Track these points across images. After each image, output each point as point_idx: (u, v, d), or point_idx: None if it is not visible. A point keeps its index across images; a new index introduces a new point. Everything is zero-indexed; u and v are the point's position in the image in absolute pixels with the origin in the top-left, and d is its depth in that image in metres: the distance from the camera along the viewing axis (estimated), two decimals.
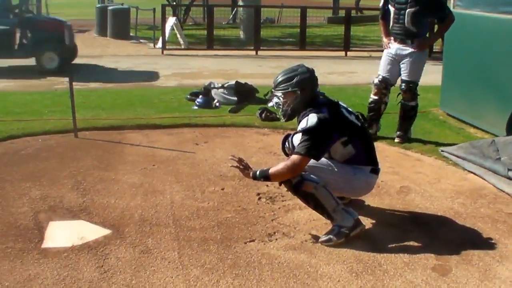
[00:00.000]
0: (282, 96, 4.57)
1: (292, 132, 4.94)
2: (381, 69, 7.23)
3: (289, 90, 4.51)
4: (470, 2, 8.12)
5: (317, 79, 4.63)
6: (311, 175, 4.42)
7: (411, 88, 6.98)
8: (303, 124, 4.38)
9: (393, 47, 7.05)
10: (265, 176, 4.47)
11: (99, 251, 4.31)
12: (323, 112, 4.38)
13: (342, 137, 4.48)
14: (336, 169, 4.53)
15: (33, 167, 6.11)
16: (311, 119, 4.33)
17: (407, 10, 6.78)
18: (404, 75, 7.00)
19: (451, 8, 8.54)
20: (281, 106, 4.62)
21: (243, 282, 3.91)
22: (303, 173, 4.41)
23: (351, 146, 4.52)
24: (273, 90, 4.64)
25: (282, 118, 4.72)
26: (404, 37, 6.94)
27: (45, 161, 6.32)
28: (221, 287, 3.86)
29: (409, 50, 6.92)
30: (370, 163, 4.68)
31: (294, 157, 4.35)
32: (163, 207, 5.14)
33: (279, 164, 4.46)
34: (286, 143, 4.93)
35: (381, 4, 7.28)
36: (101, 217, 4.92)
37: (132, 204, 5.20)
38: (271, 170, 4.42)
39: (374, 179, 4.76)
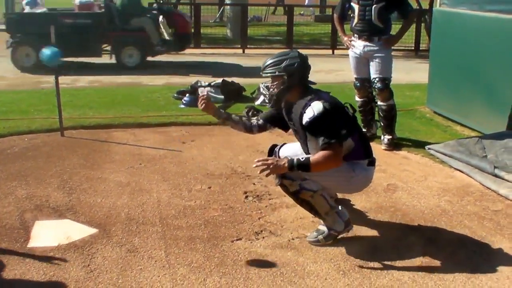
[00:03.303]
0: (270, 79, 4.43)
1: (279, 143, 4.86)
2: (354, 72, 7.17)
3: (276, 74, 4.32)
4: (456, 0, 8.14)
5: (309, 67, 4.40)
6: (310, 182, 4.26)
7: (387, 85, 6.89)
8: (309, 114, 4.13)
9: (358, 45, 6.97)
10: (305, 166, 4.12)
11: (85, 251, 4.29)
12: (324, 98, 4.19)
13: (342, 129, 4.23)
14: (335, 170, 4.25)
15: (19, 166, 6.07)
16: (316, 106, 4.12)
17: (373, 6, 6.70)
18: (377, 73, 6.89)
19: (437, 6, 8.61)
20: (267, 90, 4.48)
21: (230, 281, 3.91)
22: (301, 182, 4.25)
23: (350, 139, 4.27)
24: (261, 72, 4.45)
25: (268, 103, 4.58)
26: (369, 34, 6.85)
27: (31, 160, 6.29)
28: (208, 285, 3.85)
29: (376, 47, 6.86)
30: (367, 155, 4.48)
31: (328, 149, 4.07)
32: (149, 206, 5.12)
33: (317, 155, 4.12)
34: (273, 155, 4.75)
35: (339, 2, 7.21)
36: (88, 216, 4.89)
37: (119, 203, 5.18)
38: (313, 160, 4.09)
39: (372, 172, 4.54)
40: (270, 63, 4.36)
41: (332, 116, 4.12)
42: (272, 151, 4.78)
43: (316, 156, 4.12)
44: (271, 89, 4.45)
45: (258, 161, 4.15)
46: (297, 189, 4.29)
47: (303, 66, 4.35)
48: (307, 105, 4.18)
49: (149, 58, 13.75)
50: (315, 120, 4.11)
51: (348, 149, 4.29)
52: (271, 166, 4.11)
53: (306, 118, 4.17)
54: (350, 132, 4.24)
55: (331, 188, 4.43)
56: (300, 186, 4.27)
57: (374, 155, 4.52)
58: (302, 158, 4.15)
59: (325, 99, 4.19)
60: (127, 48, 13.35)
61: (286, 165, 4.11)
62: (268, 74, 4.38)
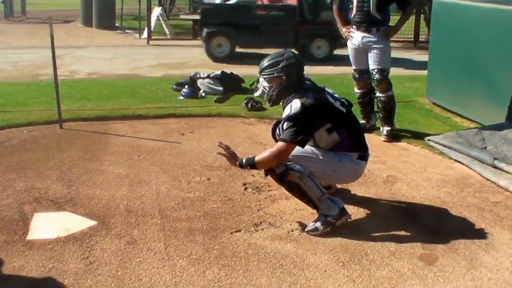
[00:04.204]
0: (268, 80, 4.56)
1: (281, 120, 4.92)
2: (354, 63, 7.16)
3: (275, 75, 4.49)
4: None
5: (303, 64, 4.61)
6: (296, 165, 4.40)
7: (385, 76, 6.87)
8: (287, 111, 4.36)
9: (356, 37, 6.95)
10: (252, 164, 4.45)
11: (84, 243, 4.28)
12: (308, 97, 4.35)
13: (327, 124, 4.43)
14: (321, 157, 4.50)
15: (18, 159, 6.06)
16: (295, 105, 4.31)
17: None
18: (375, 64, 6.86)
19: None
20: (266, 91, 4.60)
21: (230, 273, 3.90)
22: (288, 163, 4.40)
23: (335, 133, 4.47)
24: (258, 74, 4.63)
25: (267, 103, 4.70)
26: (368, 25, 6.82)
27: (30, 152, 6.27)
28: (207, 277, 3.85)
29: (374, 38, 6.82)
30: (357, 149, 4.60)
31: (280, 144, 4.35)
32: (148, 198, 5.11)
33: (265, 152, 4.45)
34: (277, 129, 4.90)
35: None
36: (87, 208, 4.88)
37: (118, 195, 5.17)
38: (257, 158, 4.41)
39: (362, 166, 4.67)
40: (268, 65, 4.56)
41: (306, 116, 4.32)
42: (276, 126, 4.95)
43: (262, 154, 4.45)
44: (269, 90, 4.59)
45: (224, 145, 4.64)
46: (284, 169, 4.41)
47: (299, 64, 4.57)
48: (288, 101, 4.44)
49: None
50: (289, 118, 4.36)
51: (334, 142, 4.52)
52: (228, 154, 4.58)
53: (284, 114, 4.44)
54: (334, 126, 4.47)
55: (317, 176, 4.48)
56: (286, 167, 4.41)
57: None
58: (250, 156, 4.50)
59: (308, 97, 4.36)
60: (316, 40, 13.73)
61: (237, 163, 4.53)
62: (267, 76, 4.55)
